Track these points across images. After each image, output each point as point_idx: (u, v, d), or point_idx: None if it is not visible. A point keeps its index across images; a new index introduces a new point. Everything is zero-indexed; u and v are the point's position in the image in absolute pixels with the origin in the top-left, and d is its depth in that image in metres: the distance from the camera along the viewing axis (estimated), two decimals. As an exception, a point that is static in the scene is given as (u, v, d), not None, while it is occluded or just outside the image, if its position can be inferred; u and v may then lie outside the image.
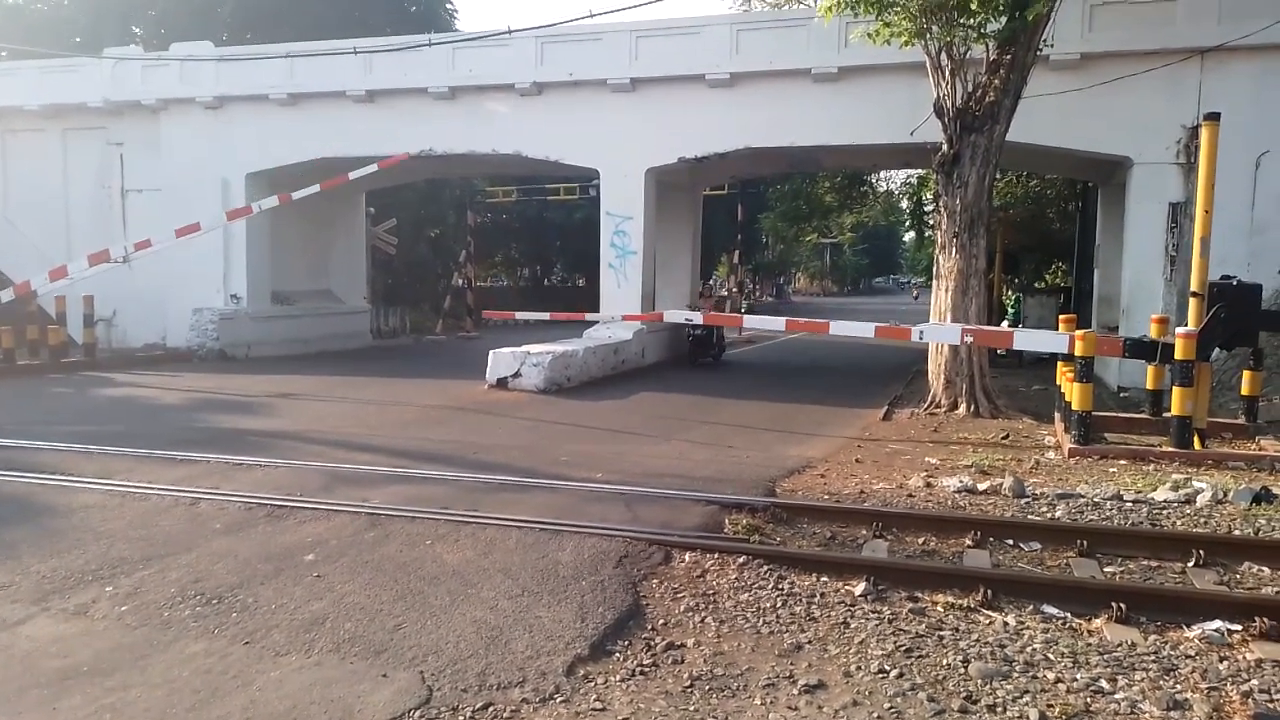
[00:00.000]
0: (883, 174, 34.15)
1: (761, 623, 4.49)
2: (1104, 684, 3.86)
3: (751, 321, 13.74)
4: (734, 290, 34.39)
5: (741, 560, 5.26)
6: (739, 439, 9.71)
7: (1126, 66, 12.84)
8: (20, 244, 19.31)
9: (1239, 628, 4.41)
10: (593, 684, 3.82)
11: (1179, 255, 12.95)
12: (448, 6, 31.56)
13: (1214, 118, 9.18)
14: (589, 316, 15.82)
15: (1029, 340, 10.76)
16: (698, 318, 14.27)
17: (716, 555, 5.34)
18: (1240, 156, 12.27)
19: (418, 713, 3.52)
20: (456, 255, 30.12)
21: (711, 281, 17.82)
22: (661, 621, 4.50)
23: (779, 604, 4.71)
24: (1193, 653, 4.20)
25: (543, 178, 27.99)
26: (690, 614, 4.59)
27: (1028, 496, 7.02)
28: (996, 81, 11.17)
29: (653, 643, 4.25)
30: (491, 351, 13.78)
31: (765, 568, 5.17)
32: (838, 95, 14.92)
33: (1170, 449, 8.56)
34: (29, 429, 9.28)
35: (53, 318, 16.84)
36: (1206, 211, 9.08)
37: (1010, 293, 21.06)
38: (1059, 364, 10.16)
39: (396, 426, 10.30)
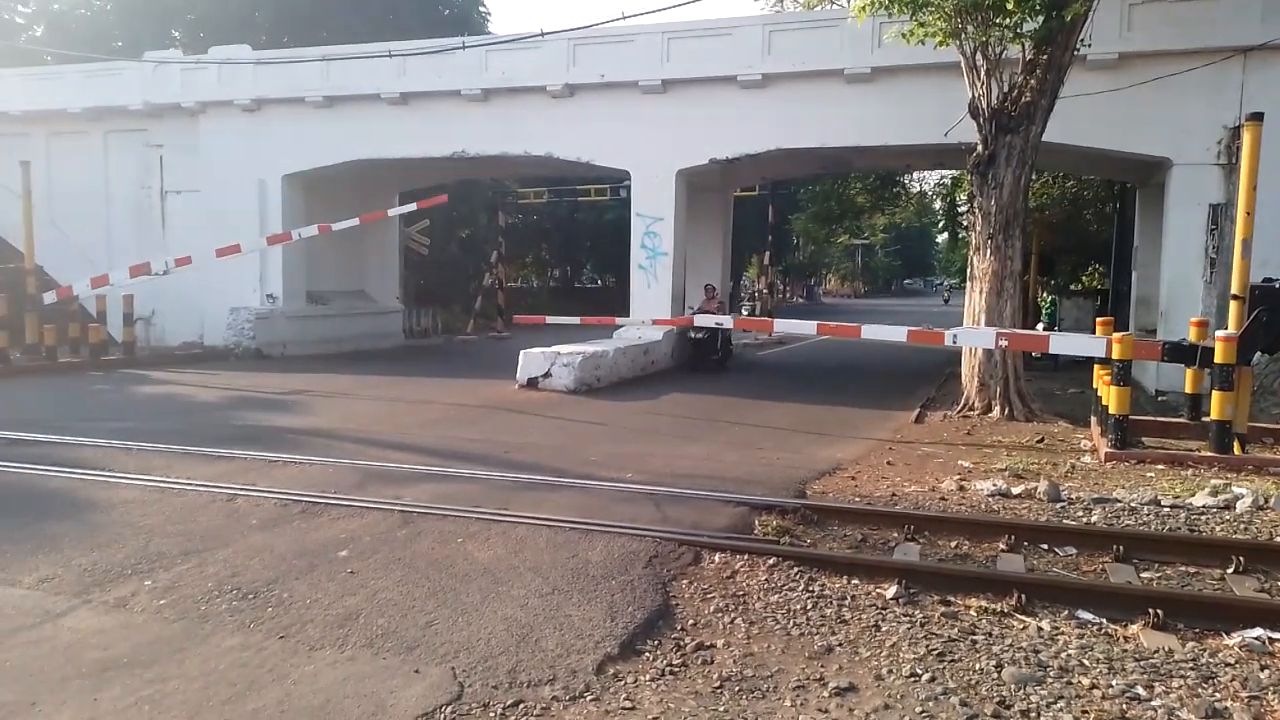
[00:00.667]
0: (916, 175, 33.86)
1: (792, 624, 4.48)
2: (1140, 691, 3.81)
3: (782, 325, 13.62)
4: (764, 291, 34.26)
5: (772, 562, 5.25)
6: (769, 440, 9.68)
7: (1166, 66, 12.64)
8: (63, 245, 19.71)
9: (1280, 636, 4.33)
10: (623, 683, 3.83)
11: (1219, 257, 12.73)
12: (480, 9, 31.80)
13: (1257, 118, 9.02)
14: (619, 320, 15.83)
15: (1065, 344, 10.59)
16: (728, 322, 14.16)
17: (746, 556, 5.33)
18: (1283, 157, 12.02)
19: (449, 709, 3.55)
20: (488, 256, 30.29)
21: (713, 284, 17.28)
22: (691, 622, 4.51)
23: (809, 606, 4.69)
24: (1232, 660, 4.13)
25: (574, 179, 28.10)
26: (720, 615, 4.59)
27: (1063, 501, 6.93)
28: (1033, 82, 11.04)
29: (682, 643, 4.25)
30: (522, 352, 13.85)
31: (795, 569, 5.15)
32: (871, 96, 14.83)
33: (1209, 454, 8.41)
34: (71, 425, 9.48)
35: (93, 316, 17.17)
36: (1248, 213, 8.92)
37: (1046, 295, 20.79)
38: (1095, 367, 10.02)
39: (428, 425, 10.40)
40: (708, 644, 4.24)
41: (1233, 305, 8.91)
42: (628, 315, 16.33)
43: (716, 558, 5.35)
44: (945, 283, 64.15)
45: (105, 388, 13.55)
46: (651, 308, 16.10)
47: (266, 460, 7.94)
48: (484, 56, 16.93)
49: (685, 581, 5.01)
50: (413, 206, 18.50)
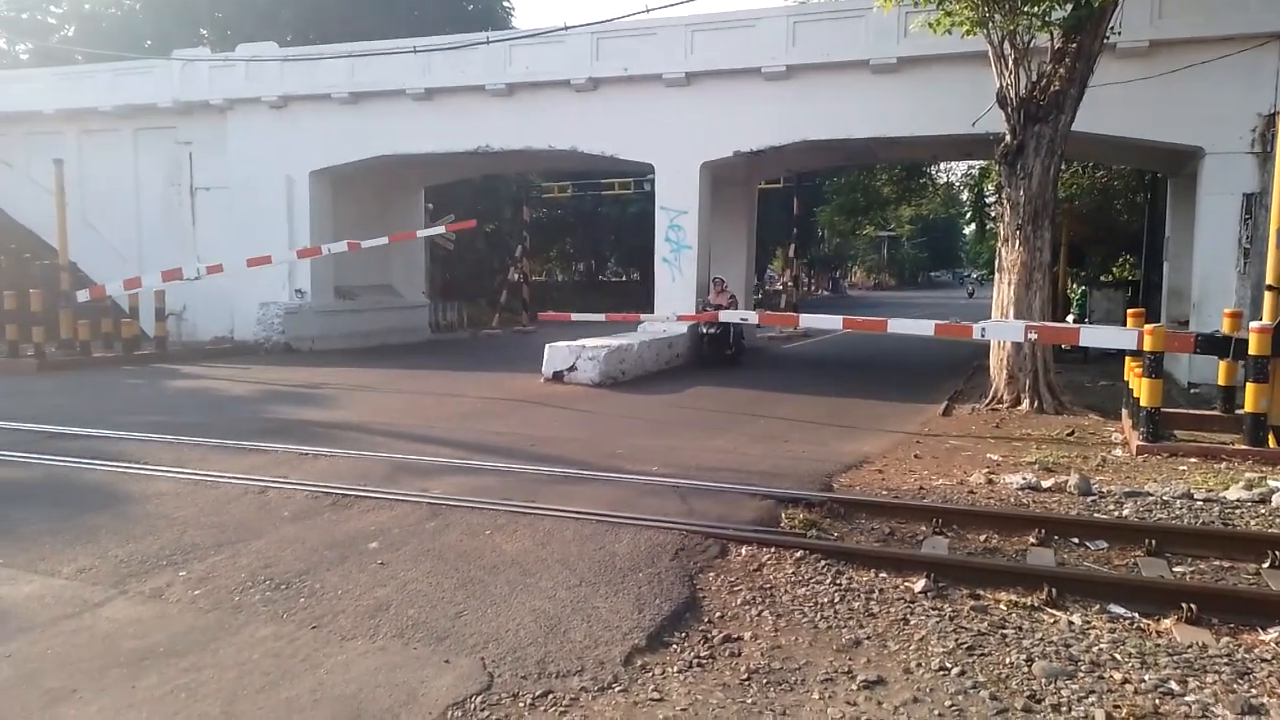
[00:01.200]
0: (943, 165, 33.50)
1: (819, 617, 4.47)
2: (1174, 686, 3.77)
3: (807, 320, 13.54)
4: (788, 284, 34.09)
5: (799, 555, 5.24)
6: (795, 433, 9.65)
7: (1199, 54, 12.43)
8: (95, 241, 20.05)
9: (1318, 632, 4.26)
10: (650, 674, 3.85)
11: (1253, 248, 12.51)
12: (504, 4, 31.88)
13: (1293, 105, 8.84)
14: (643, 317, 15.81)
15: (1096, 336, 10.46)
16: (753, 316, 14.07)
17: (773, 549, 5.33)
18: (1320, 144, 11.78)
19: (479, 698, 3.59)
20: (512, 250, 30.42)
21: (722, 277, 17.06)
22: (718, 614, 4.51)
23: (837, 599, 4.68)
24: (1269, 656, 4.07)
25: (597, 172, 28.12)
26: (747, 607, 4.59)
27: (1094, 494, 6.85)
28: (1061, 71, 10.89)
29: (710, 635, 4.26)
30: (548, 345, 13.90)
31: (823, 563, 5.15)
32: (897, 86, 14.71)
33: (1243, 447, 8.27)
34: (106, 419, 9.65)
35: (126, 312, 17.44)
36: (1283, 202, 8.75)
37: (1076, 286, 20.53)
38: (1127, 359, 9.88)
39: (455, 418, 10.47)
40: (735, 636, 4.25)
41: (1267, 296, 8.76)
42: (652, 309, 16.33)
43: (743, 550, 5.35)
44: (971, 274, 63.41)
45: (138, 382, 13.77)
46: (676, 301, 16.09)
47: (297, 453, 8.03)
48: (507, 51, 16.97)
49: (712, 574, 5.02)
50: (441, 229, 18.70)
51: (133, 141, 20.23)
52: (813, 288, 51.17)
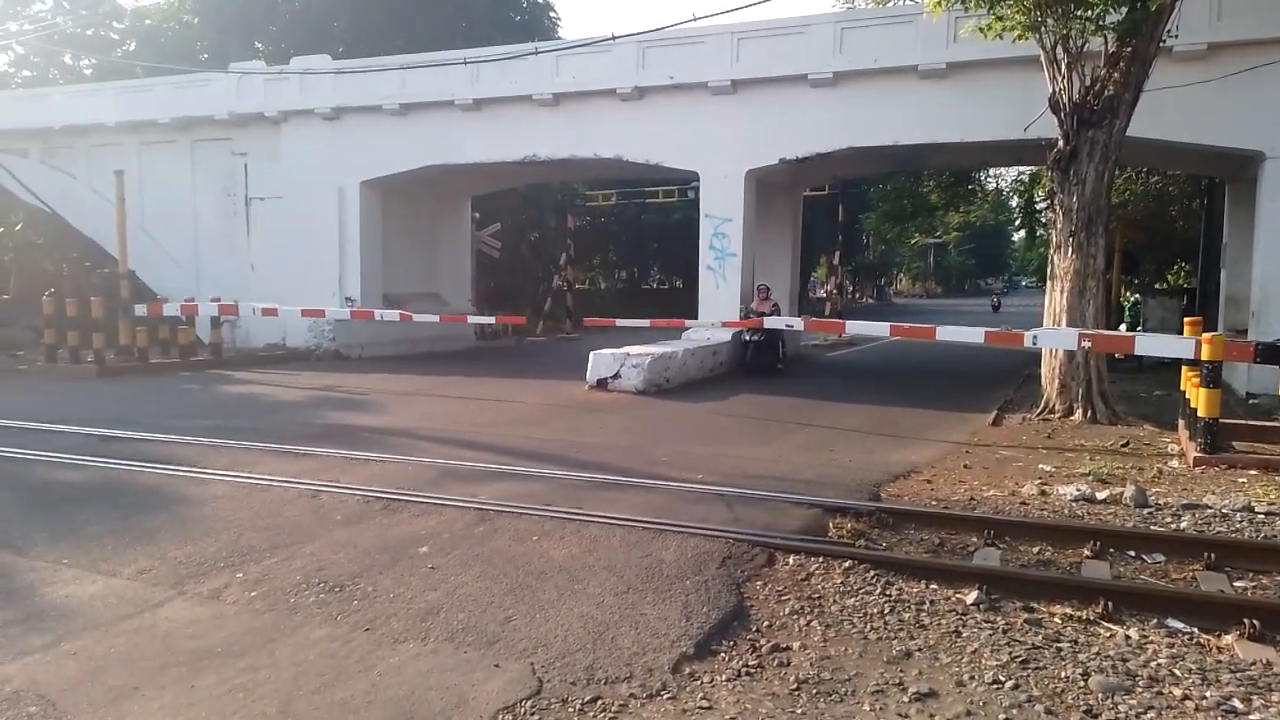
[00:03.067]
0: (991, 171, 33.03)
1: (869, 628, 4.43)
2: (1237, 704, 3.66)
3: (853, 327, 13.43)
4: (833, 292, 33.85)
5: (847, 564, 5.20)
6: (840, 442, 9.57)
7: (1259, 56, 12.15)
8: (154, 251, 20.63)
9: (1390, 651, 4.12)
10: (699, 683, 3.84)
11: (1317, 254, 12.14)
12: (551, 15, 32.17)
13: (1361, 107, 8.57)
14: (688, 323, 15.81)
15: (1152, 345, 10.22)
16: (799, 324, 13.98)
17: (821, 559, 5.29)
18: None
19: (529, 703, 3.62)
20: (556, 258, 30.63)
21: (765, 284, 16.91)
22: (766, 623, 4.49)
23: (887, 610, 4.63)
24: (1337, 676, 3.94)
25: (642, 180, 28.21)
26: (795, 617, 4.56)
27: (1150, 506, 6.69)
28: (1116, 75, 10.69)
29: (758, 644, 4.24)
30: (592, 353, 13.97)
31: (872, 573, 5.10)
32: (945, 92, 14.56)
33: (1308, 460, 8.04)
34: (163, 424, 9.91)
35: (182, 319, 17.88)
36: (1352, 207, 8.49)
37: (1129, 294, 20.08)
38: (1183, 369, 9.65)
39: (501, 425, 10.56)
40: (783, 646, 4.23)
41: (1334, 305, 8.49)
42: (695, 316, 16.32)
43: (791, 559, 5.32)
44: (1017, 280, 62.13)
45: (194, 387, 14.12)
46: (720, 309, 16.07)
47: (348, 458, 8.18)
48: (555, 61, 17.13)
49: (759, 583, 5.00)
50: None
51: (190, 153, 20.79)
52: (857, 295, 50.70)
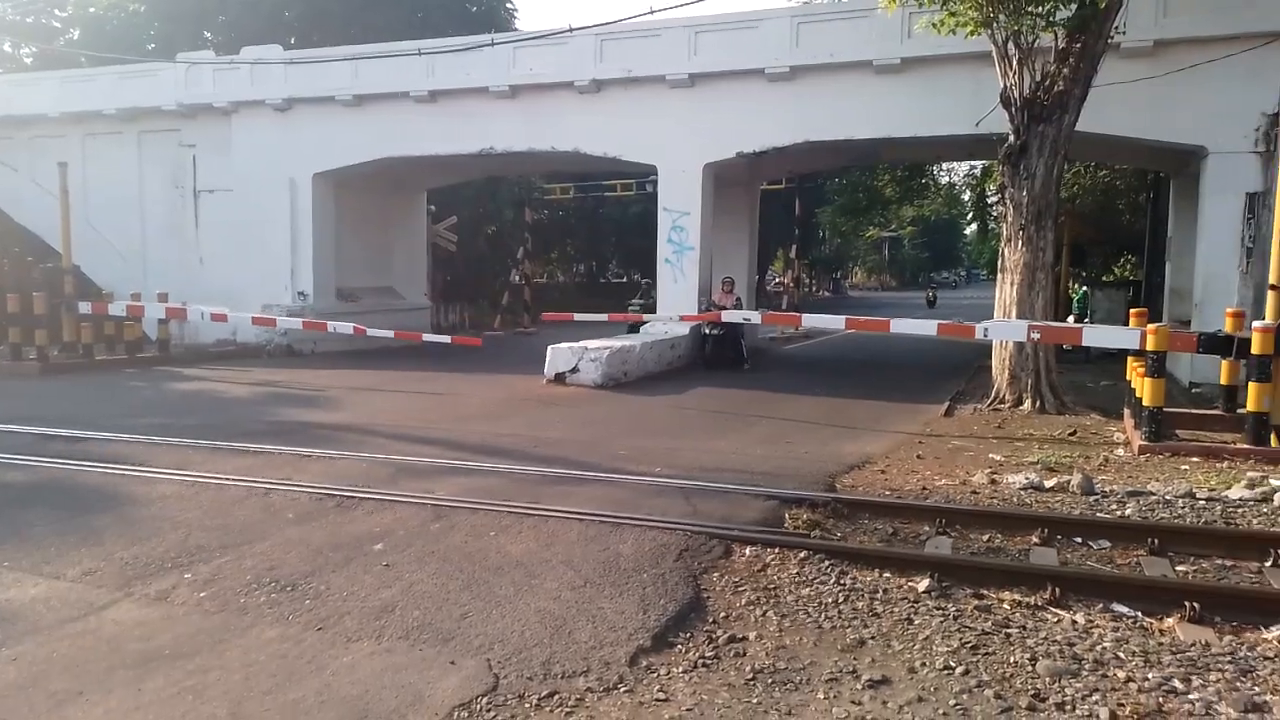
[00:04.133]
0: (945, 166, 33.52)
1: (824, 617, 4.48)
2: (1177, 684, 3.77)
3: (809, 320, 13.55)
4: (790, 285, 34.11)
5: (803, 555, 5.26)
6: (797, 434, 9.66)
7: (1203, 53, 12.43)
8: (99, 244, 20.08)
9: (1322, 630, 4.26)
10: (655, 675, 3.86)
11: (1256, 247, 12.50)
12: (508, 6, 31.90)
13: (1296, 104, 8.85)
14: (646, 317, 15.83)
15: (1099, 336, 10.47)
16: (756, 317, 14.05)
17: (777, 549, 5.34)
18: (1323, 143, 11.80)
19: (485, 699, 3.60)
20: (514, 252, 30.44)
21: (730, 278, 16.97)
22: (723, 614, 4.53)
23: (841, 599, 4.69)
24: (1271, 654, 4.08)
25: (599, 174, 28.14)
26: (751, 607, 4.60)
27: (1096, 494, 6.86)
28: (1065, 70, 10.90)
29: (714, 635, 4.27)
30: (550, 347, 13.92)
31: (827, 563, 5.16)
32: (900, 87, 14.73)
33: (1245, 446, 8.29)
34: (110, 422, 9.67)
35: (128, 314, 17.45)
36: (1287, 201, 8.76)
37: (1077, 286, 20.53)
38: (1129, 359, 9.89)
39: (457, 420, 10.49)
40: (740, 636, 4.26)
41: (1270, 296, 8.75)
42: (654, 310, 16.34)
43: (747, 551, 5.36)
44: (976, 273, 63.03)
45: (141, 384, 13.80)
46: (679, 302, 16.11)
47: (300, 455, 8.05)
48: (512, 53, 17.01)
49: (716, 574, 5.03)
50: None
51: (136, 144, 20.30)
52: (814, 288, 51.14)
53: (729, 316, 14.08)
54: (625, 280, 41.35)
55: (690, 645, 4.17)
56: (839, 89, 15.17)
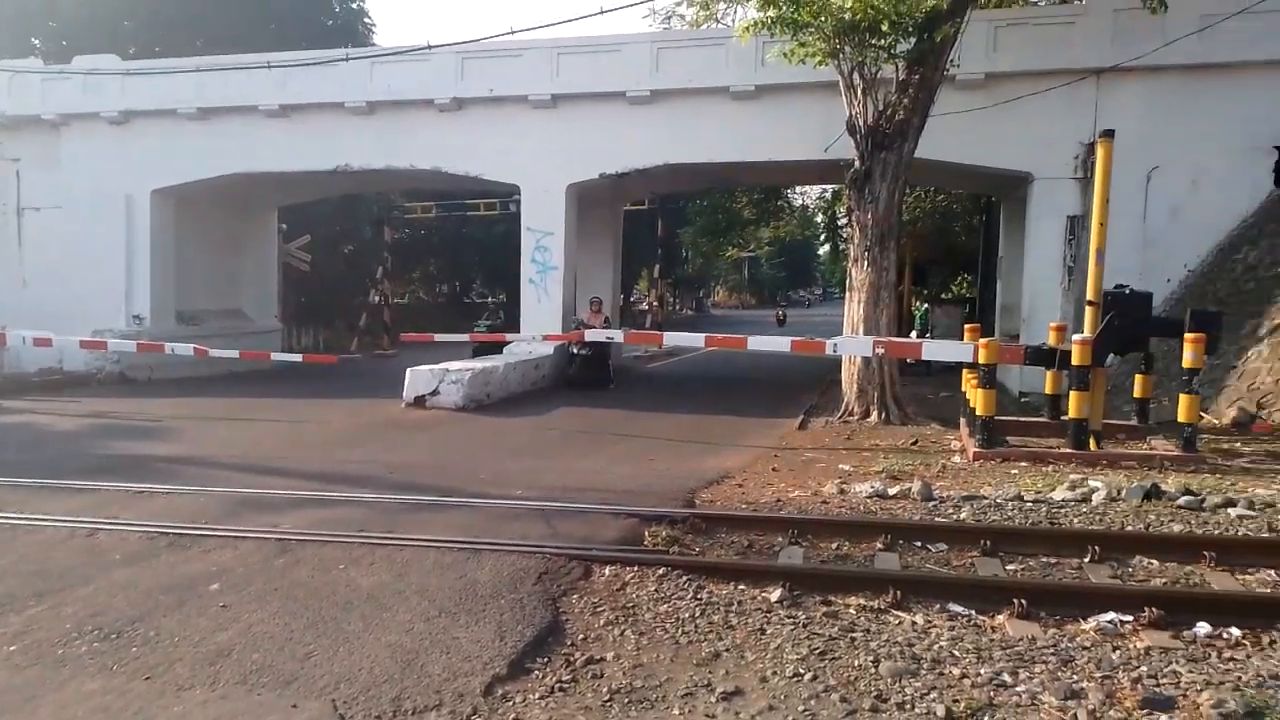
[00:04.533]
0: (799, 189, 34.89)
1: (680, 633, 4.52)
2: (1006, 678, 4.00)
3: (672, 338, 13.78)
4: (654, 304, 34.59)
5: (661, 572, 5.30)
6: (659, 452, 9.77)
7: (1028, 86, 13.44)
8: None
9: (1130, 618, 4.62)
10: (511, 703, 3.79)
11: (1076, 266, 13.59)
12: (365, 20, 31.14)
13: (1109, 135, 9.71)
14: (509, 337, 15.69)
15: (937, 350, 11.11)
16: (619, 336, 14.16)
17: (636, 567, 5.36)
18: (1133, 172, 12.97)
19: (328, 741, 3.44)
20: (373, 272, 29.58)
21: (599, 298, 17.12)
22: (581, 636, 4.50)
23: (698, 613, 4.75)
24: (1089, 644, 4.39)
25: (462, 193, 27.76)
26: (610, 627, 4.60)
27: (935, 499, 7.23)
28: (906, 100, 11.55)
29: (572, 658, 4.24)
30: (409, 369, 13.57)
31: (684, 578, 5.22)
32: (755, 112, 15.23)
33: (1068, 450, 8.93)
34: (-89, 460, 8.74)
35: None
36: (1101, 224, 9.58)
37: (919, 303, 21.73)
38: (964, 371, 10.51)
39: (309, 448, 10.05)
40: (597, 657, 4.24)
41: (1088, 311, 9.52)
42: (518, 330, 16.21)
43: (607, 570, 5.36)
44: (832, 292, 65.51)
45: (-49, 419, 12.56)
46: (543, 322, 16.05)
47: (131, 491, 7.50)
48: (369, 68, 16.58)
49: (576, 596, 5.00)
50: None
51: (-50, 157, 18.55)
52: (678, 307, 52.07)
53: (592, 336, 14.13)
54: (490, 300, 40.91)
55: (548, 670, 4.12)
56: (698, 113, 15.56)
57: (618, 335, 14.00)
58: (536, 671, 4.11)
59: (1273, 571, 5.46)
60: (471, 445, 10.29)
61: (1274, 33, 12.75)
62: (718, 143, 15.61)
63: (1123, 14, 13.20)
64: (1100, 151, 9.68)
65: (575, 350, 15.77)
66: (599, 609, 4.83)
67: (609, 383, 15.81)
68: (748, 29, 11.82)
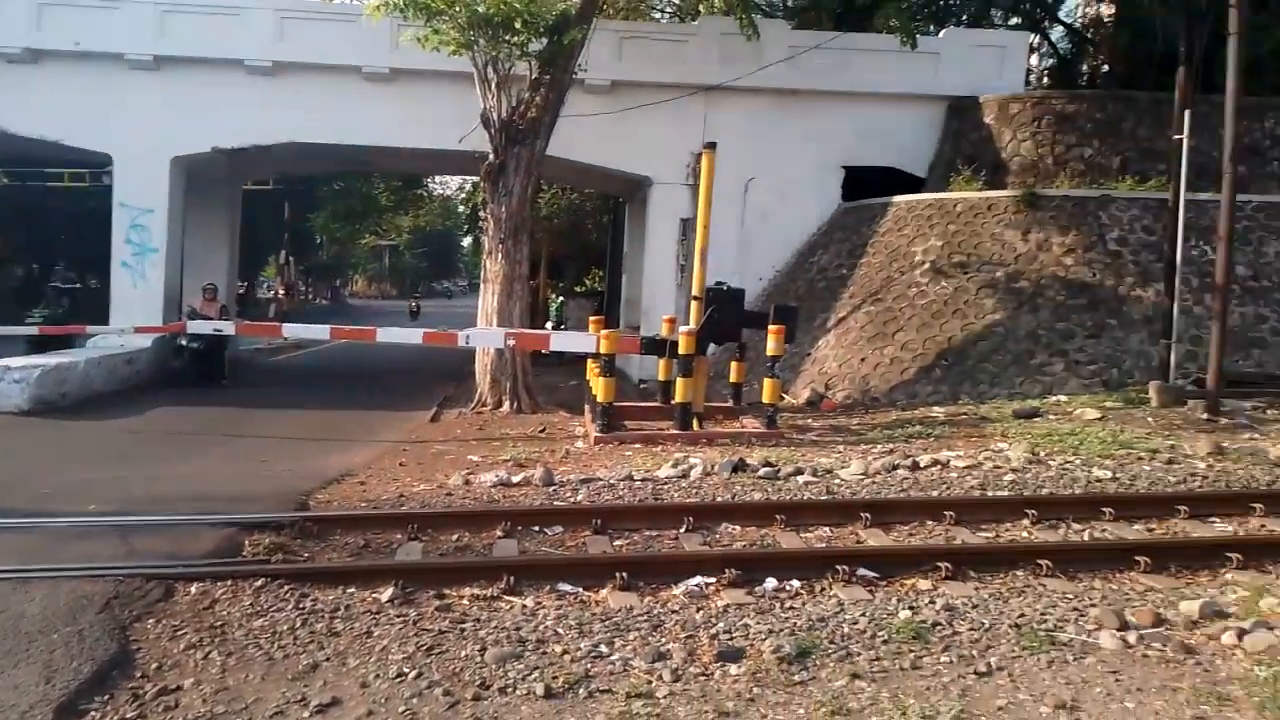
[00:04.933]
0: (440, 179, 34.51)
1: (276, 648, 4.19)
2: (603, 648, 4.22)
3: (292, 330, 12.83)
4: (282, 293, 32.22)
5: (259, 583, 4.87)
6: (274, 452, 9.06)
7: (648, 96, 14.41)
8: None
9: (714, 580, 5.10)
10: (55, 756, 3.24)
11: (687, 264, 14.87)
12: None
13: (711, 146, 10.74)
14: (91, 330, 13.50)
15: (564, 341, 11.59)
16: (229, 328, 12.73)
17: (230, 582, 4.88)
18: (734, 181, 14.46)
19: None
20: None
21: (214, 285, 15.51)
22: (154, 666, 4.00)
23: (298, 624, 4.44)
24: (677, 608, 4.77)
25: (44, 160, 23.52)
26: (191, 651, 4.13)
27: (556, 484, 7.48)
28: (538, 99, 11.82)
29: (141, 691, 3.77)
30: (-44, 368, 11.19)
31: (286, 587, 4.85)
32: (390, 96, 14.74)
33: (675, 431, 9.74)
34: None
35: None
36: (705, 227, 10.58)
37: (554, 296, 22.57)
38: (589, 360, 11.05)
39: None
40: (173, 687, 3.81)
41: (693, 305, 10.46)
42: (60, 322, 14.04)
43: (193, 588, 4.81)
44: (478, 283, 65.66)
45: None
46: (139, 310, 14.12)
47: None
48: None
49: (151, 621, 4.44)
50: None
51: None
52: (312, 296, 49.03)
53: (195, 328, 12.61)
54: (80, 287, 35.33)
55: (108, 709, 3.63)
56: (327, 91, 14.72)
57: (227, 327, 12.61)
58: (94, 712, 3.59)
59: (828, 528, 6.38)
60: (37, 455, 8.74)
61: (841, 68, 14.93)
62: (350, 124, 14.86)
63: (727, 38, 14.69)
64: (704, 161, 10.68)
65: (184, 343, 13.96)
66: (180, 632, 4.32)
67: (223, 378, 14.31)
68: (378, 8, 11.37)
